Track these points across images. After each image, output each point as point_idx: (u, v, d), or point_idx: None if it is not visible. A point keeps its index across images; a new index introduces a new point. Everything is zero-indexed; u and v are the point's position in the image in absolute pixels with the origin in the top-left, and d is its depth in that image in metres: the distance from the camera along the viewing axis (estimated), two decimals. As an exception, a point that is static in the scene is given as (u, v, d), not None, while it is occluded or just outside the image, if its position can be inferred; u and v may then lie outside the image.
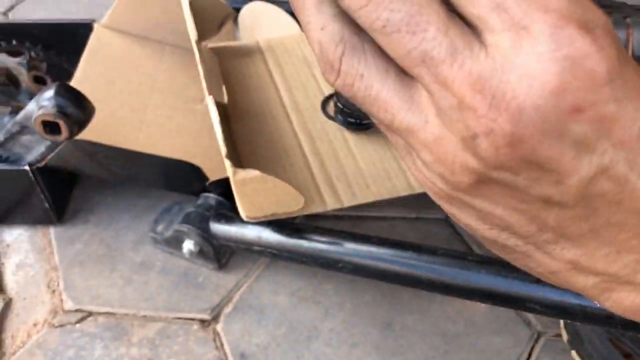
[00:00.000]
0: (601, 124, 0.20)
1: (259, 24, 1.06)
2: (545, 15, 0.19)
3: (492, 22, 0.20)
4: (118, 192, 0.92)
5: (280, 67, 0.91)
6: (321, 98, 0.84)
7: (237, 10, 1.04)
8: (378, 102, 0.23)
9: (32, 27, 1.05)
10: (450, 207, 0.24)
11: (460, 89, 0.20)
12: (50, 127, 0.69)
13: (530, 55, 0.19)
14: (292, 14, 1.07)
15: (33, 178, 0.78)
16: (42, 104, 0.68)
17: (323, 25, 0.24)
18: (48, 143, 0.74)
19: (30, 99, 1.02)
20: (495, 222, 0.23)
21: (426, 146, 0.22)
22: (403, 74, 0.22)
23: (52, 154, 0.75)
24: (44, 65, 1.02)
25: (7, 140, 0.76)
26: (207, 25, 0.91)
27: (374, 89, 0.23)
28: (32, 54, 1.01)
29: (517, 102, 0.19)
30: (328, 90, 0.85)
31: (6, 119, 1.02)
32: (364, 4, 0.21)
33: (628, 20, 0.64)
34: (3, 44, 0.99)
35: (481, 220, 0.23)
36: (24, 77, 1.00)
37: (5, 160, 0.79)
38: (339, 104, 0.79)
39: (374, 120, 0.24)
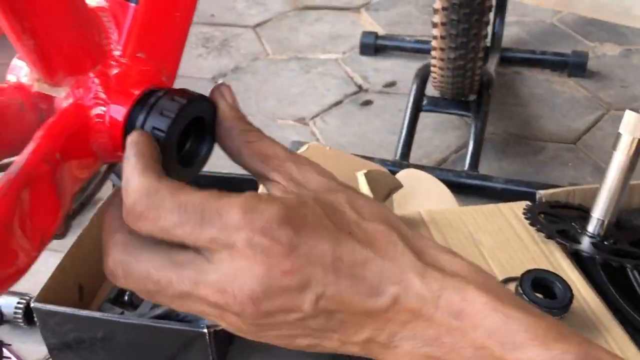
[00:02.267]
0: (304, 273, 0.32)
1: (414, 192, 1.08)
2: (239, 235, 0.32)
3: (213, 250, 0.32)
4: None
5: (447, 244, 0.91)
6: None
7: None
8: (173, 304, 0.34)
9: (199, 177, 1.11)
10: (257, 338, 0.35)
11: (212, 297, 0.32)
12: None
13: (241, 260, 0.32)
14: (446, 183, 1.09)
15: (208, 340, 0.78)
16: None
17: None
18: (233, 311, 0.75)
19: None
20: (287, 335, 0.34)
21: (217, 319, 0.34)
22: None
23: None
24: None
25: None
26: (376, 196, 0.93)
27: (164, 300, 0.35)
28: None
29: (244, 290, 0.32)
30: (502, 274, 0.84)
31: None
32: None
33: None
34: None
35: (279, 337, 0.34)
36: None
37: (182, 319, 0.81)
38: (519, 289, 0.77)
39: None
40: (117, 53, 0.44)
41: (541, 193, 0.91)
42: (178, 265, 0.33)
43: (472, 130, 1.19)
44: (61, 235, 0.42)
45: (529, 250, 0.88)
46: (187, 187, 0.34)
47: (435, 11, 0.92)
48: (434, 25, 0.95)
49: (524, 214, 0.90)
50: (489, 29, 1.13)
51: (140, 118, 0.43)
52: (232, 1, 2.00)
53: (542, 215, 0.89)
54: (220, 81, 1.60)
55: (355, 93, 1.54)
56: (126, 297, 0.99)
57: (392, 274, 0.33)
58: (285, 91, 1.57)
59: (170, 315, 0.83)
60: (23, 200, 0.36)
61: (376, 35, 1.67)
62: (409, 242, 0.35)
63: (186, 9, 0.47)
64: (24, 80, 0.45)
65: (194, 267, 0.33)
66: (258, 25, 1.87)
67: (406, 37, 1.71)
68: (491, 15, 0.95)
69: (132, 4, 0.44)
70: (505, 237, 0.91)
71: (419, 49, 1.63)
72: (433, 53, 1.01)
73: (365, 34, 1.68)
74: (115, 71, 0.44)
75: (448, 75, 1.05)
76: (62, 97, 0.43)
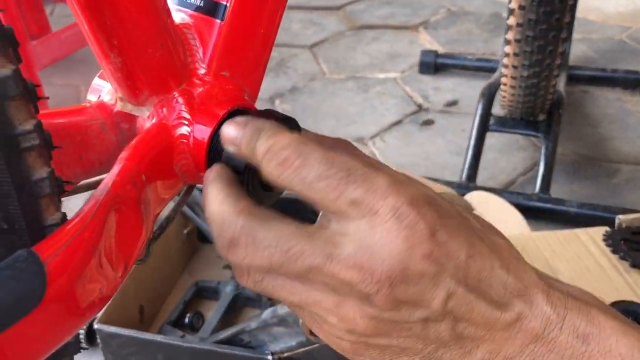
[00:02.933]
0: (440, 263, 0.29)
1: (484, 215, 1.04)
2: (387, 201, 0.29)
3: (351, 213, 0.29)
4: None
5: (523, 271, 0.86)
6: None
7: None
8: (285, 288, 0.31)
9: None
10: (356, 354, 0.32)
11: (344, 274, 0.29)
12: (316, 329, 0.67)
13: (383, 231, 0.29)
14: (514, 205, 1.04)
15: (272, 368, 0.76)
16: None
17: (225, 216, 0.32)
18: (300, 339, 0.73)
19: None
20: (394, 350, 0.31)
21: (330, 312, 0.30)
22: None
23: (301, 350, 0.73)
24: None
25: (258, 328, 0.75)
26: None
27: (278, 281, 0.31)
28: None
29: (384, 267, 0.29)
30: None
31: (228, 288, 1.04)
32: (237, 260, 0.31)
33: None
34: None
35: (383, 352, 0.31)
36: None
37: (247, 345, 0.78)
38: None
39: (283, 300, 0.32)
40: (201, 71, 0.43)
41: (621, 218, 0.86)
42: (310, 235, 0.30)
43: (543, 151, 1.14)
44: (142, 260, 0.40)
45: (612, 279, 0.83)
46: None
47: (509, 28, 0.89)
48: (507, 42, 0.91)
49: (604, 240, 0.85)
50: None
51: None
52: (287, 21, 2.01)
53: (624, 242, 0.83)
54: (277, 102, 1.60)
55: (415, 112, 1.51)
56: (187, 320, 0.98)
57: (517, 288, 0.31)
58: (343, 111, 1.55)
59: (233, 340, 0.81)
60: (109, 224, 0.34)
61: (436, 54, 1.64)
62: (527, 261, 0.33)
63: (271, 26, 0.45)
64: (106, 99, 0.44)
65: (328, 238, 0.29)
66: (314, 45, 1.87)
67: (467, 55, 1.67)
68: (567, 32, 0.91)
69: (218, 21, 0.42)
70: (585, 265, 0.86)
71: (482, 67, 1.58)
72: (504, 71, 0.97)
73: (425, 52, 1.65)
74: (199, 90, 0.42)
75: (519, 94, 1.01)
76: (146, 116, 0.42)
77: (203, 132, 0.41)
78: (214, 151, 0.41)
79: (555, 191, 1.16)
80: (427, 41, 1.84)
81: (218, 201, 0.32)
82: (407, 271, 0.29)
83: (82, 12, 0.36)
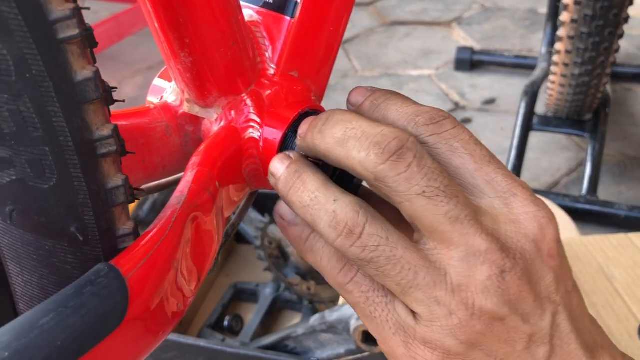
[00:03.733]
0: (558, 273, 0.29)
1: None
2: (525, 190, 0.30)
3: (487, 191, 0.30)
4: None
5: (577, 278, 0.83)
6: (636, 322, 0.74)
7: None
8: (402, 262, 0.28)
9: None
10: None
11: (482, 239, 0.28)
12: (368, 337, 0.65)
13: (520, 214, 0.29)
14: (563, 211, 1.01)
15: (319, 375, 0.74)
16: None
17: (336, 197, 0.29)
18: (350, 346, 0.71)
19: (297, 273, 1.03)
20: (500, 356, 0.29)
21: (449, 292, 0.28)
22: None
23: (350, 358, 0.70)
24: (307, 239, 1.03)
25: (305, 334, 0.73)
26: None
27: (399, 250, 0.28)
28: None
29: (520, 245, 0.29)
30: (643, 314, 0.75)
31: (267, 290, 1.02)
32: (402, 171, 0.28)
33: None
34: (274, 215, 1.02)
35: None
36: (291, 249, 1.00)
37: (292, 351, 0.76)
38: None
39: (386, 282, 0.29)
40: (270, 72, 0.40)
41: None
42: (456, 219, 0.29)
43: (589, 151, 1.10)
44: (211, 270, 0.38)
45: (671, 287, 0.79)
46: None
47: (562, 24, 0.85)
48: (559, 39, 0.88)
49: (661, 246, 0.81)
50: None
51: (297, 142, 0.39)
52: (318, 18, 1.98)
53: (683, 248, 0.80)
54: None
55: (452, 111, 1.47)
56: (226, 323, 0.96)
57: (602, 339, 0.31)
58: (377, 109, 1.52)
59: (278, 346, 0.79)
60: (186, 235, 0.32)
61: (472, 51, 1.60)
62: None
63: (340, 22, 0.43)
64: (170, 100, 0.42)
65: (491, 211, 0.29)
66: (346, 41, 1.84)
67: (504, 52, 1.63)
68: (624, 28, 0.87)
69: (288, 18, 0.40)
70: (642, 272, 0.83)
71: (520, 65, 1.55)
72: (553, 69, 0.94)
73: (461, 49, 1.62)
74: (268, 92, 0.40)
75: (568, 93, 0.97)
76: (213, 119, 0.40)
77: (273, 135, 0.38)
78: None
79: (602, 193, 1.12)
80: (461, 37, 1.80)
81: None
82: (535, 261, 0.29)
83: (154, 9, 0.34)
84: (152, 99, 0.44)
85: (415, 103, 0.33)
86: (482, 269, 0.28)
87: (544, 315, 0.29)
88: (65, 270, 0.30)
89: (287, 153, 0.33)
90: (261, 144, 0.39)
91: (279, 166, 0.32)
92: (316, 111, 0.40)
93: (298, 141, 0.34)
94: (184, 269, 0.33)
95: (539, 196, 0.31)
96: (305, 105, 0.40)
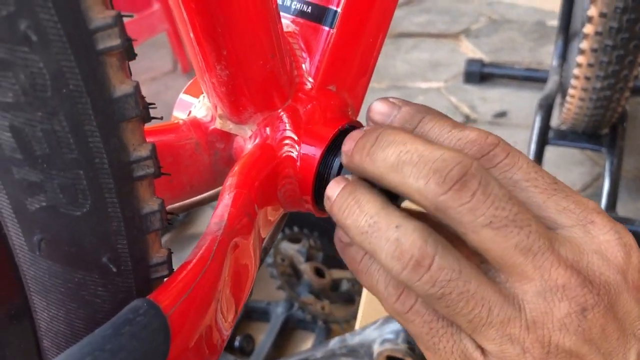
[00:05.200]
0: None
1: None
2: (601, 215, 0.28)
3: (562, 221, 0.27)
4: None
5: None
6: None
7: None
8: (475, 298, 0.26)
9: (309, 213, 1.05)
10: None
11: (560, 272, 0.26)
12: (393, 362, 0.62)
13: (602, 242, 0.27)
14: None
15: (338, 400, 0.70)
16: (386, 337, 0.62)
17: (398, 223, 0.26)
18: (372, 370, 0.67)
19: (310, 292, 1.00)
20: None
21: (524, 329, 0.25)
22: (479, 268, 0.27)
23: (372, 382, 0.67)
24: (320, 255, 1.00)
25: (324, 358, 0.70)
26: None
27: (472, 284, 0.26)
28: (311, 241, 0.99)
29: (604, 278, 0.26)
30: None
31: (279, 309, 0.99)
32: (465, 201, 0.25)
33: None
34: (287, 229, 0.99)
35: None
36: (304, 267, 0.97)
37: (309, 374, 0.73)
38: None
39: (456, 319, 0.26)
40: (307, 86, 0.38)
41: None
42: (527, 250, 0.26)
43: (607, 166, 1.07)
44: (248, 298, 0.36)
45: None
46: None
47: (585, 36, 0.83)
48: (581, 51, 0.86)
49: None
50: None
51: (337, 162, 0.36)
52: (324, 29, 1.96)
53: None
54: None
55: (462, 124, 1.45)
56: (237, 343, 0.93)
57: None
58: (386, 121, 1.50)
59: (295, 369, 0.76)
60: (226, 264, 0.29)
61: (482, 63, 1.59)
62: None
63: (379, 34, 0.40)
64: (200, 116, 0.39)
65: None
66: (352, 53, 1.82)
67: (514, 64, 1.62)
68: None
69: (327, 28, 0.38)
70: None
71: (530, 77, 1.53)
72: (573, 82, 0.92)
73: (471, 61, 1.60)
74: (306, 107, 0.37)
75: (588, 107, 0.95)
76: (247, 136, 0.37)
77: (312, 153, 0.36)
78: (324, 176, 0.36)
79: (620, 209, 1.10)
80: (470, 50, 1.79)
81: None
82: (621, 295, 0.26)
83: (190, 18, 0.31)
84: (179, 114, 0.41)
85: (454, 123, 0.30)
86: (560, 306, 0.25)
87: (628, 354, 0.26)
88: (95, 303, 0.28)
89: (345, 176, 0.31)
90: (298, 162, 0.36)
91: (334, 188, 0.29)
92: (355, 127, 0.38)
93: (344, 161, 0.32)
94: (224, 300, 0.30)
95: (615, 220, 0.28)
96: (344, 122, 0.37)
